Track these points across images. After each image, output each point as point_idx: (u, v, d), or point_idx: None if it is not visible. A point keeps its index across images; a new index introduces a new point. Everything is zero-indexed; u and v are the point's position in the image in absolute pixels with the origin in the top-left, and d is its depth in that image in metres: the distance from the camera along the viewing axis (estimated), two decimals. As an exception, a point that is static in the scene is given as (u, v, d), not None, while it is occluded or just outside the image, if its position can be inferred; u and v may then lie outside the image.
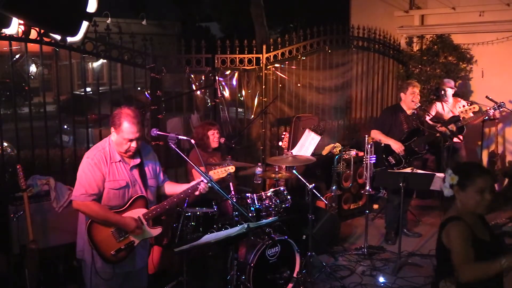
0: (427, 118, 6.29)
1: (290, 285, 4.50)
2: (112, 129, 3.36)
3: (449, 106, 6.78)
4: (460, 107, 6.47)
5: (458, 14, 7.97)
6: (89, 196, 3.27)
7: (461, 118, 6.21)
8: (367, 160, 5.60)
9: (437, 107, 6.81)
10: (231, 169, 4.00)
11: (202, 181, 3.56)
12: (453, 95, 7.00)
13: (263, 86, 6.40)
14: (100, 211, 3.29)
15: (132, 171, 3.44)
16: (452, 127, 6.02)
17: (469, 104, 6.47)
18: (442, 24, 8.09)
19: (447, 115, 6.68)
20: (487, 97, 6.99)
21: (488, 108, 6.40)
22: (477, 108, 6.41)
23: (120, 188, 3.37)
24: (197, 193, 3.59)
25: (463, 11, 7.92)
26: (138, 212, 3.41)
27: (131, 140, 3.33)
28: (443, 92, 6.75)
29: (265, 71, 6.38)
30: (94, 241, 3.28)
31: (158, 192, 3.69)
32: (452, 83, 6.90)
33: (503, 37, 7.43)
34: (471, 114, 6.43)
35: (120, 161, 3.39)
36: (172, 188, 3.71)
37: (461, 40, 7.73)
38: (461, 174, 2.77)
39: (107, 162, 3.34)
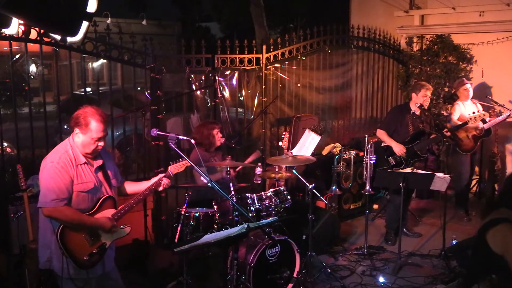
0: (454, 118, 6.28)
1: (290, 285, 4.50)
2: (77, 130, 3.25)
3: (469, 107, 6.71)
4: (474, 112, 6.39)
5: (458, 14, 7.97)
6: (61, 201, 3.16)
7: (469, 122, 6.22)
8: (367, 160, 5.60)
9: (461, 108, 6.67)
10: (180, 169, 3.92)
11: (164, 177, 3.61)
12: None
13: (263, 86, 6.40)
14: (74, 215, 3.20)
15: (97, 173, 3.38)
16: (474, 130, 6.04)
17: (478, 112, 6.42)
18: (442, 24, 8.10)
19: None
20: (487, 97, 7.00)
21: (510, 112, 6.43)
22: (487, 116, 6.39)
23: (89, 191, 3.30)
24: (160, 188, 3.64)
25: (463, 11, 7.92)
26: (108, 213, 3.36)
27: (99, 139, 3.27)
28: (469, 89, 6.62)
29: (265, 71, 6.38)
30: (68, 248, 3.16)
31: (119, 193, 3.64)
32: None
33: (503, 37, 7.43)
34: (480, 123, 6.39)
35: (85, 163, 3.31)
36: (134, 187, 3.70)
37: (461, 40, 7.73)
38: None
39: (73, 164, 3.24)
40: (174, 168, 3.78)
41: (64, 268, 3.18)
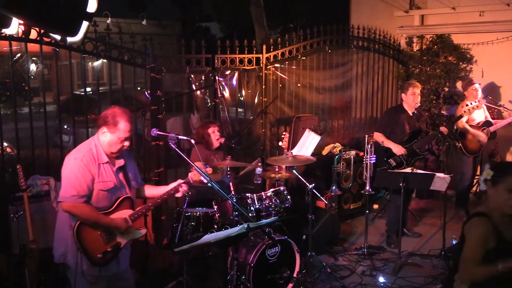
0: (463, 119, 6.27)
1: (290, 285, 4.50)
2: (104, 129, 3.30)
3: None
4: (466, 105, 6.38)
5: (458, 14, 7.97)
6: (80, 198, 3.20)
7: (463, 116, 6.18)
8: (367, 160, 5.60)
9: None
10: (209, 170, 4.02)
11: (183, 183, 3.63)
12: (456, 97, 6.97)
13: (263, 86, 6.40)
14: (92, 213, 3.24)
15: (118, 173, 3.42)
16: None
17: (472, 103, 6.40)
18: (442, 24, 8.10)
19: (479, 118, 6.60)
20: (487, 97, 6.99)
21: None
22: (480, 107, 6.38)
23: (109, 190, 3.33)
24: (178, 194, 3.66)
25: (463, 11, 7.93)
26: (125, 213, 3.39)
27: (126, 139, 3.32)
28: (478, 89, 6.55)
29: (265, 71, 6.38)
30: (83, 244, 3.21)
31: (137, 195, 3.67)
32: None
33: (503, 37, 7.44)
34: (472, 115, 6.40)
35: (107, 162, 3.35)
36: (153, 191, 3.73)
37: (461, 40, 7.74)
38: (495, 171, 2.86)
39: (96, 163, 3.29)
40: (195, 175, 3.81)
41: (78, 263, 3.23)
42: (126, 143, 3.35)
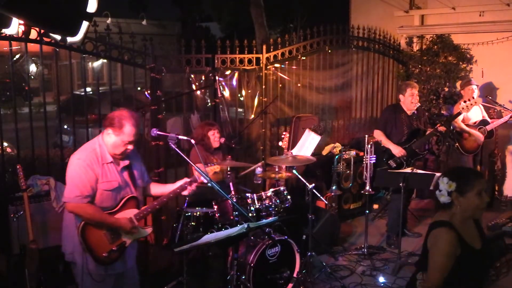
0: (459, 119, 6.27)
1: (290, 285, 4.50)
2: (110, 130, 3.30)
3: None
4: (462, 103, 6.38)
5: (458, 14, 7.97)
6: (84, 198, 3.22)
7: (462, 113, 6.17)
8: (367, 160, 5.59)
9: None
10: (216, 168, 4.01)
11: (190, 181, 3.60)
12: (457, 97, 6.95)
13: (263, 86, 6.40)
14: (96, 213, 3.26)
15: (123, 173, 3.43)
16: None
17: (469, 102, 6.40)
18: (442, 24, 8.09)
19: (475, 117, 6.61)
20: (487, 97, 6.99)
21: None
22: (479, 102, 6.39)
23: (113, 190, 3.35)
24: (185, 193, 3.62)
25: (463, 11, 7.92)
26: (130, 213, 3.40)
27: (130, 143, 3.32)
28: (474, 90, 6.57)
29: (265, 71, 6.38)
30: (87, 243, 3.24)
31: (144, 193, 3.68)
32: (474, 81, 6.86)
33: (503, 37, 7.43)
34: (469, 115, 6.41)
35: (111, 162, 3.35)
36: (160, 189, 3.73)
37: (461, 40, 7.73)
38: (459, 180, 2.76)
39: (99, 163, 3.30)
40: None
41: (84, 262, 3.27)
42: (130, 147, 3.35)
